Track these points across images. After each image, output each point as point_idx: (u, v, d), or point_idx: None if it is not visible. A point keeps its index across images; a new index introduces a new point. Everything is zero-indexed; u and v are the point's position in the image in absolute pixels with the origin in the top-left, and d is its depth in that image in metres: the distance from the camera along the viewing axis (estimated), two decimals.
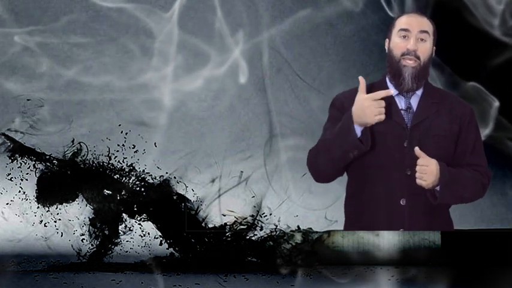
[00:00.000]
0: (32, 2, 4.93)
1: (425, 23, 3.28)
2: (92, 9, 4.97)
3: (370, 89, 3.34)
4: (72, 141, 3.03)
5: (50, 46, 4.86)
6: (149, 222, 3.01)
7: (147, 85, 4.97)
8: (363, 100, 3.14)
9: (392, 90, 3.23)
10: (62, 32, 4.91)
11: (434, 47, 3.32)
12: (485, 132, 4.67)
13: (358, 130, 3.15)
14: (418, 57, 3.24)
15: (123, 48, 5.01)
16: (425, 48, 3.26)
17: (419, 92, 3.31)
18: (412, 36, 3.24)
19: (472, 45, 5.01)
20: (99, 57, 4.95)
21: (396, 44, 3.27)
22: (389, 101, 3.29)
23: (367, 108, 3.13)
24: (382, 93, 3.15)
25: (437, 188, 3.19)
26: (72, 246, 2.96)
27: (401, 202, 3.24)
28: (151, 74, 4.98)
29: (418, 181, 3.16)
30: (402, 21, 3.29)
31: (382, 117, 3.13)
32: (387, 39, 3.34)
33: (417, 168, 3.16)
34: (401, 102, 3.30)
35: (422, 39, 3.25)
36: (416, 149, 3.17)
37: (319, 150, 3.25)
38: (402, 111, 3.28)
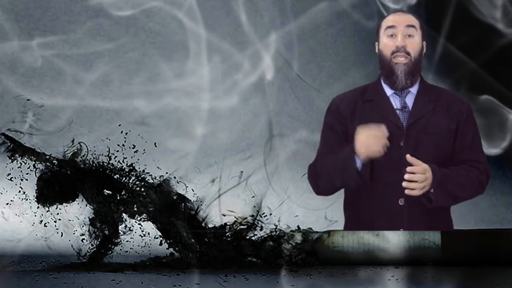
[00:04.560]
0: (32, 2, 4.92)
1: (411, 19, 3.28)
2: (92, 10, 4.97)
3: (364, 91, 3.35)
4: (72, 141, 3.03)
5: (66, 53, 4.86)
6: (149, 222, 3.01)
7: (147, 85, 4.97)
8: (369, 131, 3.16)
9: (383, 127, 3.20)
10: (62, 32, 4.91)
11: (425, 42, 3.32)
12: (502, 145, 4.67)
13: (359, 162, 3.16)
14: (408, 53, 3.24)
15: (122, 48, 5.01)
16: (415, 44, 3.26)
17: (414, 91, 3.31)
18: (399, 33, 3.25)
19: (477, 40, 5.01)
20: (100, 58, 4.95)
21: (385, 44, 3.28)
22: (384, 102, 3.29)
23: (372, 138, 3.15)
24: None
25: (431, 190, 3.18)
26: (72, 246, 2.96)
27: (399, 202, 3.23)
28: (152, 73, 4.98)
29: (416, 193, 3.17)
30: (388, 20, 3.31)
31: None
32: (376, 43, 3.35)
33: (412, 177, 3.16)
34: (396, 102, 3.30)
35: (410, 35, 3.26)
36: (408, 156, 3.16)
37: (320, 174, 3.27)
38: (398, 111, 3.28)
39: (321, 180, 3.29)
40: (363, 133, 3.14)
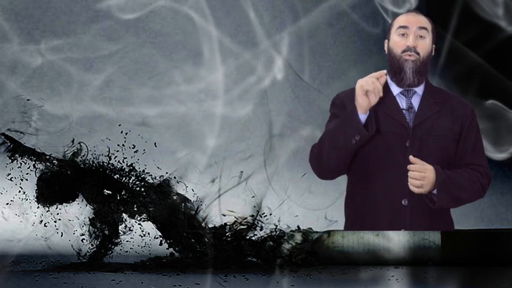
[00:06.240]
0: (32, 2, 4.93)
1: (424, 20, 3.30)
2: (93, 10, 4.97)
3: None
4: (72, 141, 3.03)
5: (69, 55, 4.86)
6: (149, 222, 3.01)
7: (148, 85, 4.97)
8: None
9: (384, 71, 3.21)
10: (62, 32, 4.91)
11: (434, 45, 3.33)
12: (511, 149, 4.67)
13: (363, 117, 3.15)
14: (417, 53, 3.25)
15: (124, 49, 5.01)
16: (425, 45, 3.27)
17: (420, 92, 3.32)
18: (410, 33, 3.26)
19: (480, 39, 5.01)
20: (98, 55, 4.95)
21: (396, 42, 3.29)
22: (390, 101, 3.30)
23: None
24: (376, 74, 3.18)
25: (434, 192, 3.20)
26: (72, 246, 2.96)
27: (403, 202, 3.24)
28: (154, 73, 4.98)
29: (415, 190, 3.17)
30: (400, 20, 3.31)
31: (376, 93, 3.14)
32: (386, 40, 3.35)
33: (411, 174, 3.17)
34: (402, 102, 3.30)
35: (421, 36, 3.27)
36: (411, 157, 3.18)
37: (322, 140, 3.24)
38: (404, 111, 3.29)
39: (324, 149, 3.22)
40: (362, 79, 3.17)
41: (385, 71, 3.22)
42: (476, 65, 5.00)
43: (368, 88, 3.11)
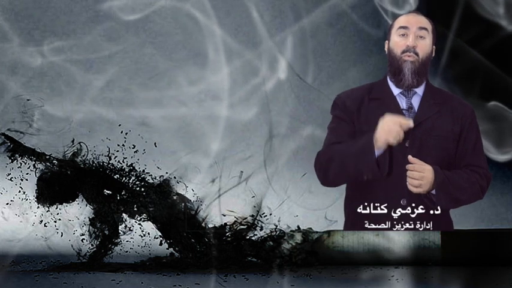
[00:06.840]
0: (32, 2, 4.93)
1: (424, 21, 3.31)
2: (93, 10, 4.97)
3: (370, 89, 3.36)
4: (72, 141, 3.03)
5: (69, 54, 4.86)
6: (149, 222, 3.01)
7: (148, 85, 4.97)
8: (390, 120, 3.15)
9: (411, 122, 3.20)
10: (62, 32, 4.91)
11: (434, 46, 3.33)
12: None
13: (378, 152, 3.16)
14: (417, 54, 3.26)
15: (124, 49, 5.01)
16: (425, 45, 3.28)
17: (420, 92, 3.32)
18: (411, 33, 3.27)
19: (480, 38, 5.01)
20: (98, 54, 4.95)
21: (396, 42, 3.29)
22: (390, 101, 3.30)
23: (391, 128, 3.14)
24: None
25: (433, 192, 3.20)
26: (72, 246, 2.96)
27: (401, 202, 3.24)
28: (152, 73, 4.99)
29: (414, 189, 3.18)
30: (401, 20, 3.32)
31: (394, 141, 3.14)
32: (386, 41, 3.36)
33: (410, 173, 3.17)
34: (402, 102, 3.31)
35: (421, 37, 3.28)
36: (410, 157, 3.18)
37: (332, 159, 3.23)
38: (404, 111, 3.29)
39: (332, 168, 3.23)
40: (388, 118, 3.15)
41: (412, 123, 3.18)
42: (478, 65, 5.00)
43: (393, 143, 3.11)
